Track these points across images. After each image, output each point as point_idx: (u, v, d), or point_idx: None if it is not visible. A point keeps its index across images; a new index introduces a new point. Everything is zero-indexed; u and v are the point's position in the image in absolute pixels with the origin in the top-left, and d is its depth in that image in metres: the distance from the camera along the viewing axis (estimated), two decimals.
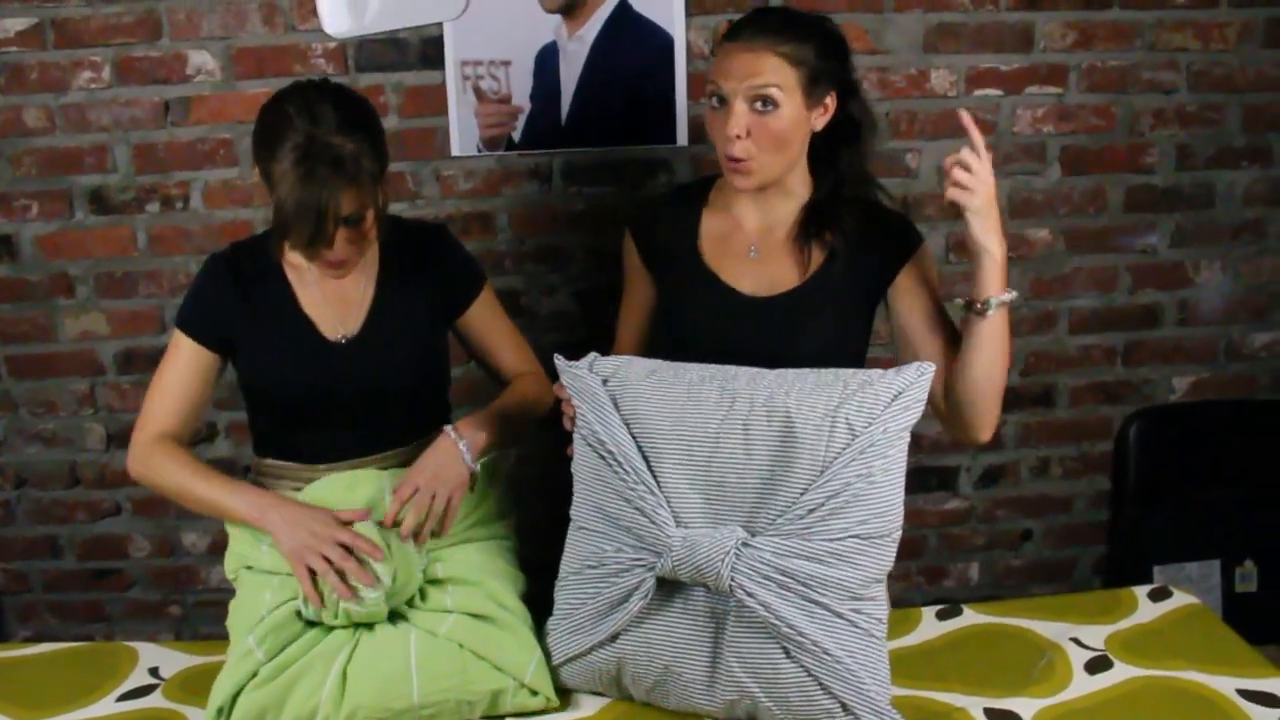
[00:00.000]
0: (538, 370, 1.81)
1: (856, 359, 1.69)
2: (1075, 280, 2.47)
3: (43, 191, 2.27)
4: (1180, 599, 1.70)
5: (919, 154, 2.36)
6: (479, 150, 2.29)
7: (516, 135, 2.28)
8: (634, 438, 1.46)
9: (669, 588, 1.44)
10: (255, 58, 2.21)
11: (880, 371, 1.46)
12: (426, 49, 2.23)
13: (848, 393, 1.42)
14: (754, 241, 1.69)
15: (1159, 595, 1.71)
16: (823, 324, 1.64)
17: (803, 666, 1.37)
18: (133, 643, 1.69)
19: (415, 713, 1.45)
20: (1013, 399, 2.51)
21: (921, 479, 2.53)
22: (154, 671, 1.59)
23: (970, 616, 1.68)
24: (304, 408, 1.68)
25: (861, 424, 1.40)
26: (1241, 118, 2.41)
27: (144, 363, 2.36)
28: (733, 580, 1.37)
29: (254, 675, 1.44)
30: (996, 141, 2.37)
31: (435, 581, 1.56)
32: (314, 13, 2.20)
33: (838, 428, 1.40)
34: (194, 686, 1.55)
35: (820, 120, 1.62)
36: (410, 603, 1.53)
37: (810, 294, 1.65)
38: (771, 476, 1.41)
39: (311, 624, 1.50)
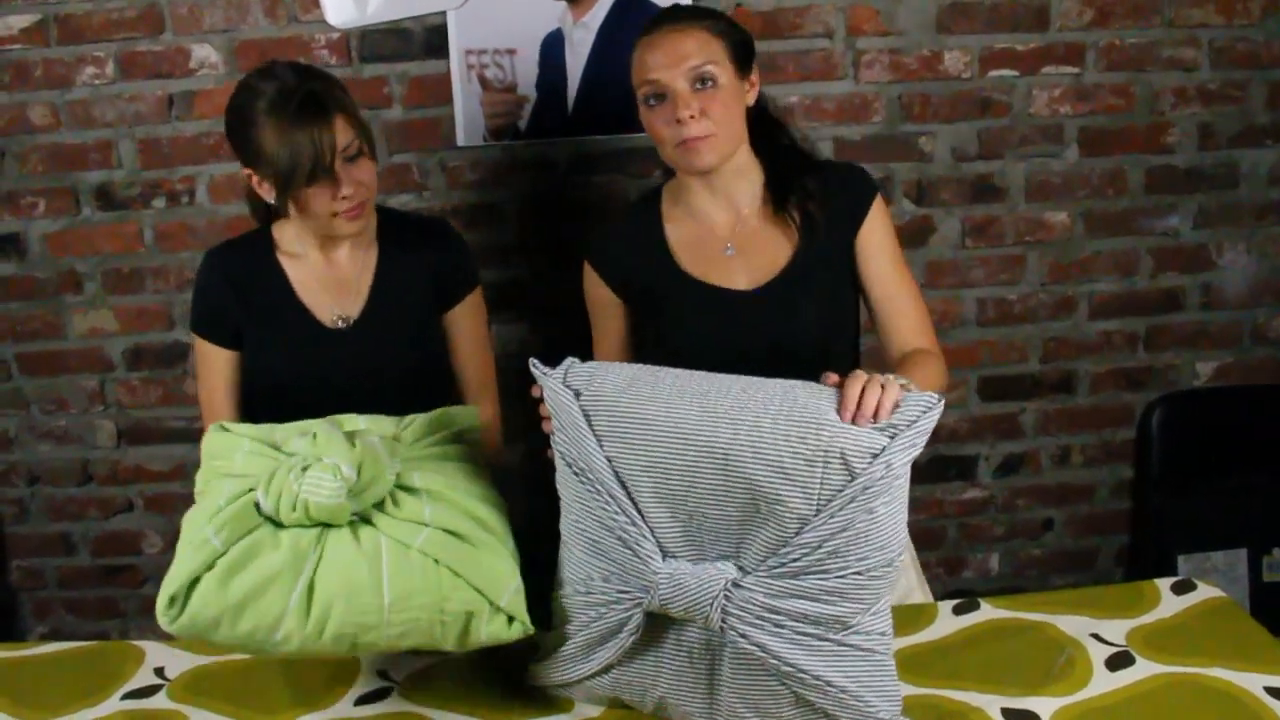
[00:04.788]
0: (492, 398, 1.82)
1: (854, 329, 1.74)
2: (1095, 264, 2.42)
3: (49, 189, 2.27)
4: (1205, 592, 1.65)
5: (933, 137, 2.32)
6: (485, 140, 2.27)
7: (523, 124, 2.26)
8: (609, 460, 1.34)
9: (661, 619, 1.36)
10: (258, 50, 2.19)
11: None
12: (430, 38, 2.21)
13: (844, 424, 1.27)
14: (728, 240, 1.69)
15: (1182, 588, 1.66)
16: (819, 296, 1.64)
17: (805, 700, 1.32)
18: (139, 642, 1.68)
19: (384, 630, 1.35)
20: (1032, 386, 2.48)
21: (940, 468, 2.50)
22: (159, 671, 1.58)
23: (987, 611, 1.64)
24: (304, 397, 1.67)
25: (861, 463, 1.25)
26: (1266, 95, 2.36)
27: (153, 359, 2.35)
28: (723, 622, 1.29)
29: (210, 567, 1.34)
30: (1012, 123, 2.32)
31: (410, 489, 1.41)
32: (316, 3, 2.18)
33: (832, 465, 1.25)
34: (199, 687, 1.53)
35: (751, 95, 1.66)
36: (381, 507, 1.39)
37: (802, 267, 1.65)
38: (757, 512, 1.28)
39: (273, 522, 1.38)
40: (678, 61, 1.58)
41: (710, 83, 1.58)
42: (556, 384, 1.39)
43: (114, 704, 1.51)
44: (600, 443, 1.35)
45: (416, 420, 1.54)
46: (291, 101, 1.56)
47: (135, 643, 1.67)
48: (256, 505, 1.37)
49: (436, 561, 1.36)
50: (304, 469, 1.35)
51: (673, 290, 1.69)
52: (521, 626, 1.39)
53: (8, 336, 2.34)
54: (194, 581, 1.34)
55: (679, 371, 1.38)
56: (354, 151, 1.61)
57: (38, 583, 2.50)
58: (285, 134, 1.55)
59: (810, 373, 1.39)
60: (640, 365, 1.41)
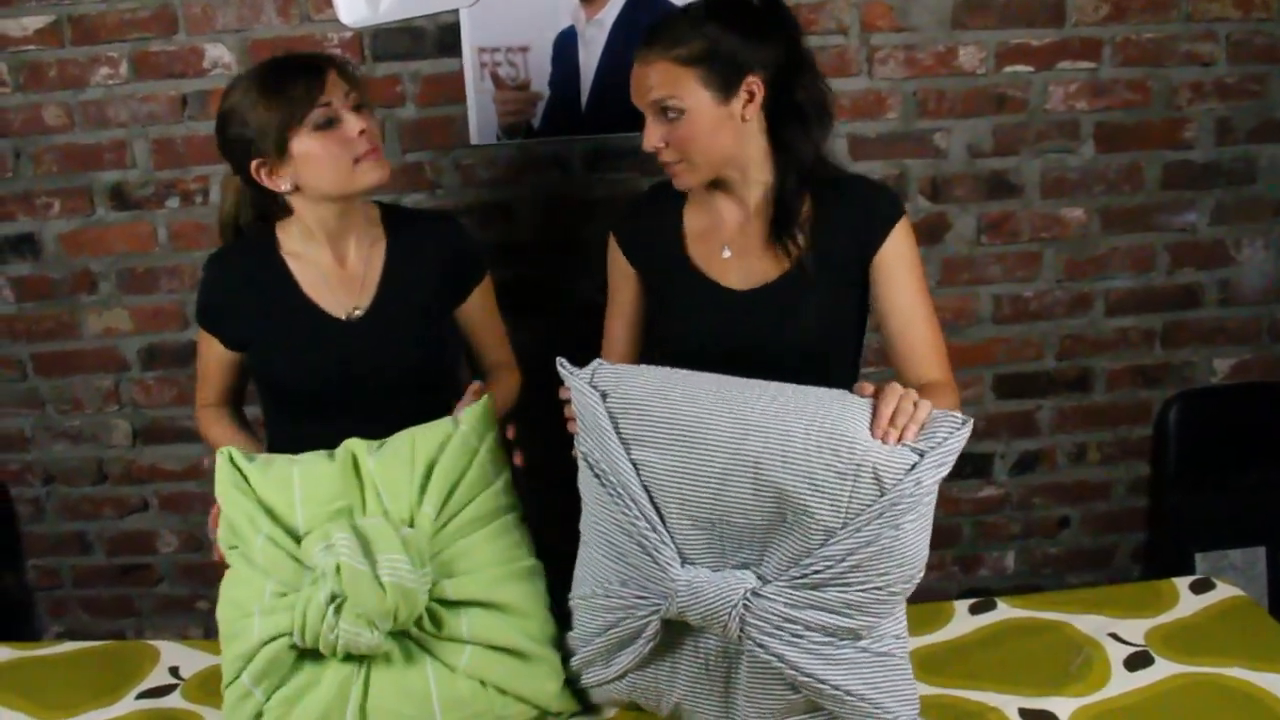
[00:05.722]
0: (511, 362, 1.87)
1: (855, 341, 1.71)
2: (1111, 261, 2.40)
3: (64, 189, 2.27)
4: (1223, 591, 1.64)
5: (948, 133, 2.30)
6: (498, 138, 2.26)
7: (536, 122, 2.25)
8: (634, 465, 1.33)
9: (679, 625, 1.36)
10: (271, 50, 2.18)
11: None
12: (443, 37, 2.21)
13: (875, 442, 1.28)
14: (729, 238, 1.67)
15: (1201, 587, 1.65)
16: (809, 312, 1.61)
17: (823, 709, 1.32)
18: (155, 641, 1.69)
19: None
20: (1048, 384, 2.46)
21: (955, 466, 2.46)
22: (174, 671, 1.59)
23: (1004, 610, 1.64)
24: (315, 392, 1.69)
25: (891, 479, 1.26)
26: None
27: (167, 358, 2.36)
28: (741, 631, 1.29)
29: (259, 717, 1.38)
30: (1028, 119, 2.30)
31: (446, 603, 1.44)
32: (329, 3, 2.18)
33: (863, 479, 1.25)
34: (213, 686, 1.54)
35: (750, 110, 1.56)
36: (419, 624, 1.42)
37: (792, 283, 1.62)
38: (783, 521, 1.28)
39: (307, 651, 1.41)
40: (642, 93, 1.58)
41: (675, 113, 1.55)
42: (583, 385, 1.38)
43: (129, 703, 1.52)
44: (627, 447, 1.34)
45: (435, 474, 1.49)
46: (275, 66, 1.58)
47: (150, 642, 1.68)
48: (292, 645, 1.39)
49: (483, 683, 1.41)
50: (336, 610, 1.35)
51: (677, 278, 1.68)
52: (570, 709, 1.46)
53: (23, 336, 2.35)
54: None
55: (709, 376, 1.37)
56: (357, 101, 1.61)
57: (53, 582, 2.51)
58: (278, 86, 1.55)
59: (806, 375, 1.40)
60: (669, 369, 1.40)
